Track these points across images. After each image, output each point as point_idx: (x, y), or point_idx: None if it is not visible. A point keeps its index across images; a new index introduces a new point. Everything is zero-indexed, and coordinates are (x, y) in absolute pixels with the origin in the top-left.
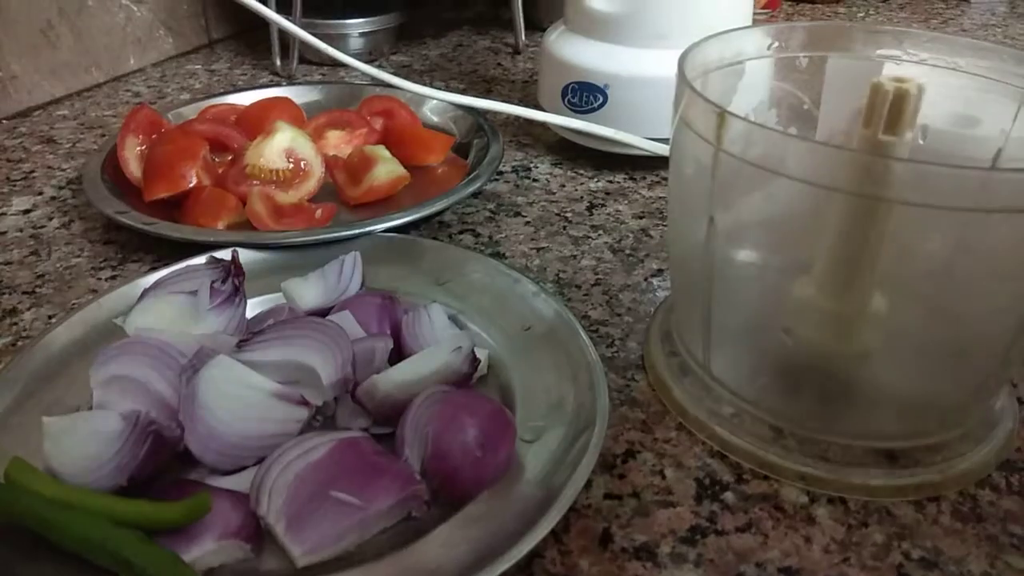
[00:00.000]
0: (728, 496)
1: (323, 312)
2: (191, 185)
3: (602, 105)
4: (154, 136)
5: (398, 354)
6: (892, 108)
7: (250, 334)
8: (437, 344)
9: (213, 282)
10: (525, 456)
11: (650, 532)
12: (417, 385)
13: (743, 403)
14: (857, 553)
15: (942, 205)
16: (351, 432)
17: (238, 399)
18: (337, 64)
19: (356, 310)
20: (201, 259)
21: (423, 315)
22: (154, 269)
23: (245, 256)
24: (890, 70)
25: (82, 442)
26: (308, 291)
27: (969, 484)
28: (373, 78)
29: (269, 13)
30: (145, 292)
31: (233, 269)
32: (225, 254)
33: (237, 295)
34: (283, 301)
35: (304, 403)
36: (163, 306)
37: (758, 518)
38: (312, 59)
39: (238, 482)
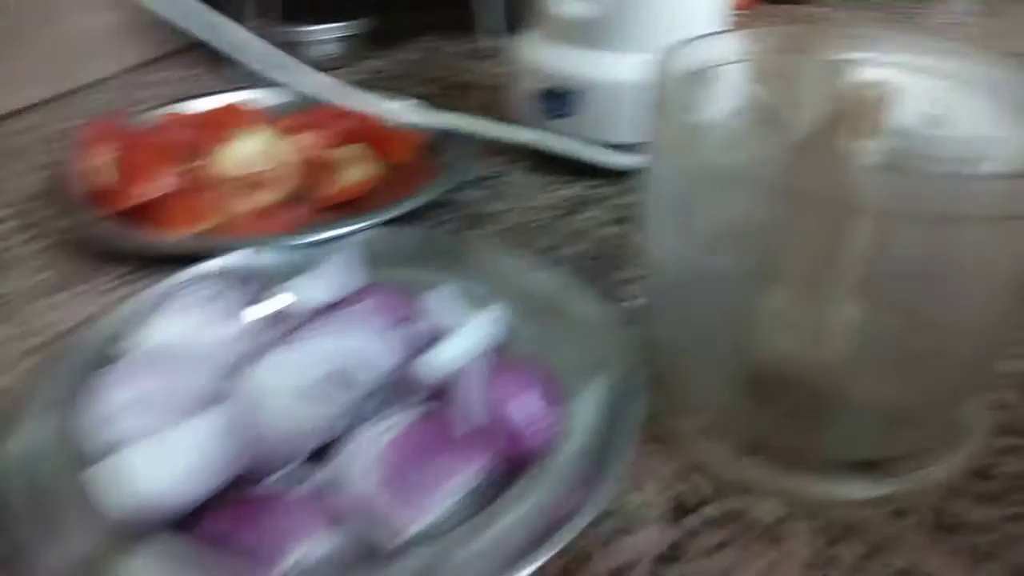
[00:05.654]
0: (702, 515)
1: (333, 308)
2: (163, 192)
3: (576, 111)
4: (120, 144)
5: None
6: (860, 114)
7: (292, 329)
8: (473, 318)
9: (226, 289)
10: (574, 411)
11: (622, 555)
12: (465, 357)
13: (716, 416)
14: (834, 570)
15: (913, 213)
16: (419, 407)
17: (283, 392)
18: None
19: (375, 300)
20: (201, 268)
21: (436, 297)
22: (125, 283)
23: (232, 261)
24: (864, 73)
25: (173, 459)
26: (312, 290)
27: (944, 494)
28: (303, 95)
29: (192, 31)
30: (152, 309)
31: (246, 275)
32: (232, 261)
33: (255, 300)
34: (284, 303)
35: (345, 390)
36: (179, 320)
37: (733, 536)
38: None
39: (323, 477)
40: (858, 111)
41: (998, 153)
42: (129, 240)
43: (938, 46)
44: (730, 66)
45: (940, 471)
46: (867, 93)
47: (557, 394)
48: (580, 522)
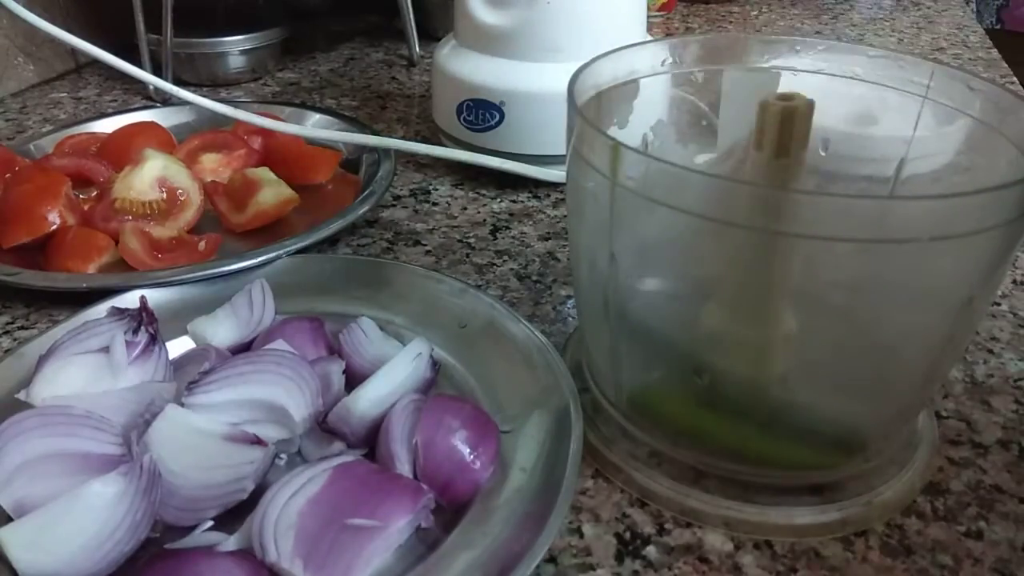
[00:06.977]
0: (651, 551)
1: (244, 347)
2: (54, 227)
3: (499, 123)
4: (8, 175)
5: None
6: (782, 128)
7: (200, 375)
8: (397, 355)
9: (123, 334)
10: (510, 447)
11: None
12: (389, 399)
13: (659, 443)
14: None
15: (840, 237)
16: (341, 457)
17: (189, 448)
18: (217, 84)
19: (288, 338)
20: (99, 311)
21: (357, 331)
22: (24, 328)
23: (131, 300)
24: (788, 81)
25: (72, 529)
26: (220, 329)
27: (895, 513)
28: (214, 112)
29: (93, 49)
30: (42, 359)
31: (144, 317)
32: (129, 301)
33: (155, 344)
34: (190, 344)
35: (257, 442)
36: (72, 370)
37: (683, 573)
38: (189, 79)
39: (237, 541)
40: (778, 127)
41: (921, 152)
42: (16, 280)
43: (860, 52)
44: (651, 78)
45: (890, 489)
46: (785, 108)
47: (490, 432)
48: (527, 568)
